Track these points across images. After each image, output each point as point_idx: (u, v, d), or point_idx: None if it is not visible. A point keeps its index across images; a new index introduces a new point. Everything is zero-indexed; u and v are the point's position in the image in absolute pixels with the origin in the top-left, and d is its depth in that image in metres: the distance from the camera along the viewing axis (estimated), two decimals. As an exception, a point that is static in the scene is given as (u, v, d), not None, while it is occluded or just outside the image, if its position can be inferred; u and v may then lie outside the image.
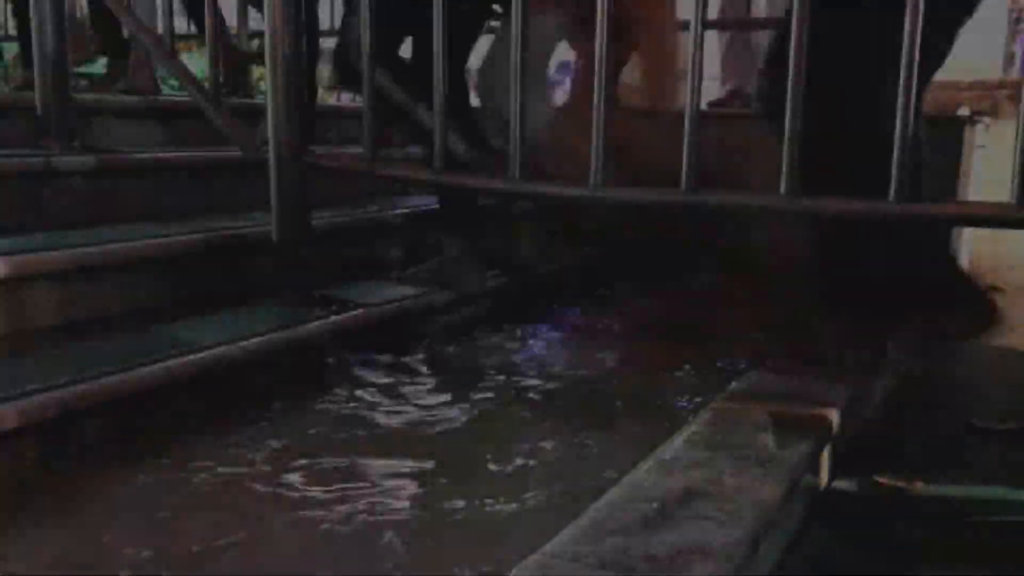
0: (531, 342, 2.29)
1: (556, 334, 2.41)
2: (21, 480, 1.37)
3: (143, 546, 1.19)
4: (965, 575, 1.38)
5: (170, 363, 1.61)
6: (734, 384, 1.77)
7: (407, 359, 2.05)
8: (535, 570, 1.02)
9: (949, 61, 4.16)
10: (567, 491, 1.39)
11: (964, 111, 3.19)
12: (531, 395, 1.86)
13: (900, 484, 1.61)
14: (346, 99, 4.08)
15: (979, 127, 3.22)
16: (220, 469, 1.44)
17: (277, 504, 1.34)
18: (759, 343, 1.99)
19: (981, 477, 1.66)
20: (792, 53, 1.51)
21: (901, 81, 1.45)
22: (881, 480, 1.62)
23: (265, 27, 2.06)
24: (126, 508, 1.31)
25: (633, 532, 1.12)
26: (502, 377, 1.96)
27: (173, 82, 3.64)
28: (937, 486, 1.63)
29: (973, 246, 3.55)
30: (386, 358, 2.03)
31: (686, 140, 1.64)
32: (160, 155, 2.54)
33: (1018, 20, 5.38)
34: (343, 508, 1.32)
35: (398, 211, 2.79)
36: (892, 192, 1.48)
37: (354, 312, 2.06)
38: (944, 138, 2.92)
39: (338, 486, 1.39)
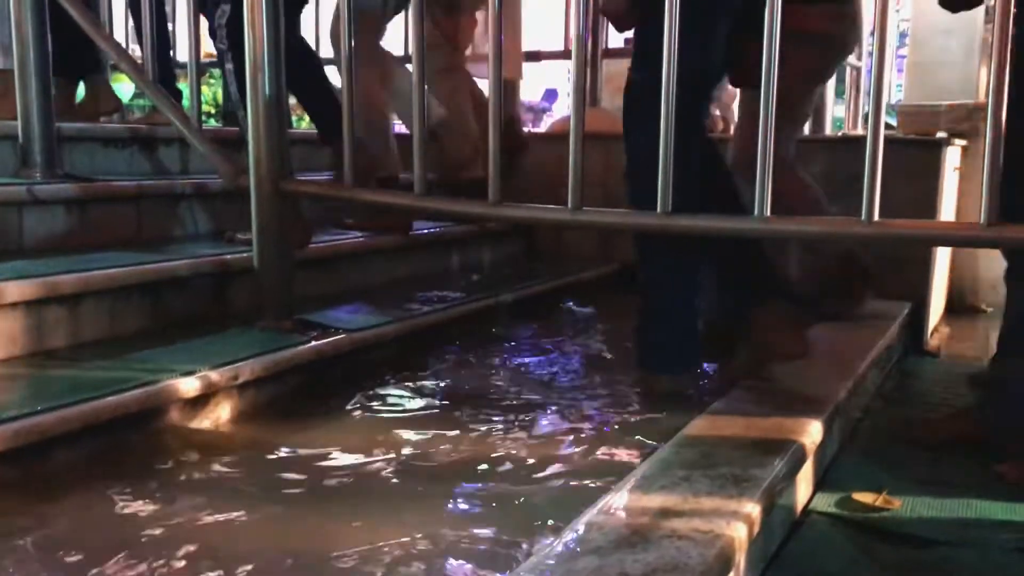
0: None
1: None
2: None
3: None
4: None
5: (148, 389, 1.61)
6: (713, 405, 1.78)
7: (386, 383, 2.06)
8: (509, 591, 1.03)
9: (929, 85, 4.23)
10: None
11: (942, 135, 3.23)
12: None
13: (878, 503, 1.63)
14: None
15: (954, 149, 3.26)
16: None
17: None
18: None
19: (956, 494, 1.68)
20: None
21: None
22: (859, 498, 1.63)
23: (247, 63, 2.08)
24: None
25: (607, 552, 1.12)
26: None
27: (142, 102, 3.66)
28: (914, 504, 1.64)
29: (955, 267, 3.59)
30: (365, 382, 2.04)
31: (661, 166, 1.66)
32: (143, 183, 2.55)
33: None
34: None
35: (379, 236, 2.80)
36: (863, 213, 1.50)
37: (335, 337, 2.06)
38: (921, 160, 2.96)
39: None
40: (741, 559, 1.23)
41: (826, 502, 1.65)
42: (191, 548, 1.26)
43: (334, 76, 2.58)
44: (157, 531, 1.31)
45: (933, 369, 2.77)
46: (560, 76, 8.70)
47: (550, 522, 1.33)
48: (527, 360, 2.36)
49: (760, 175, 1.57)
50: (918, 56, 4.35)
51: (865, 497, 1.64)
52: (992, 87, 1.41)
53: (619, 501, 1.29)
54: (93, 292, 1.93)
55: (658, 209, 1.64)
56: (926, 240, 1.89)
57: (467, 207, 1.93)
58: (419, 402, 1.96)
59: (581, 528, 1.20)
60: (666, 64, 1.62)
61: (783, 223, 1.58)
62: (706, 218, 1.66)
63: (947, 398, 2.38)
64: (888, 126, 3.55)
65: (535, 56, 4.59)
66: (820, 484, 1.74)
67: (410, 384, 2.08)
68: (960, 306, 3.63)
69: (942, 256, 3.25)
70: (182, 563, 1.21)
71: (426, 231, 3.00)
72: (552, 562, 1.09)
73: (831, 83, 4.17)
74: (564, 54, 4.56)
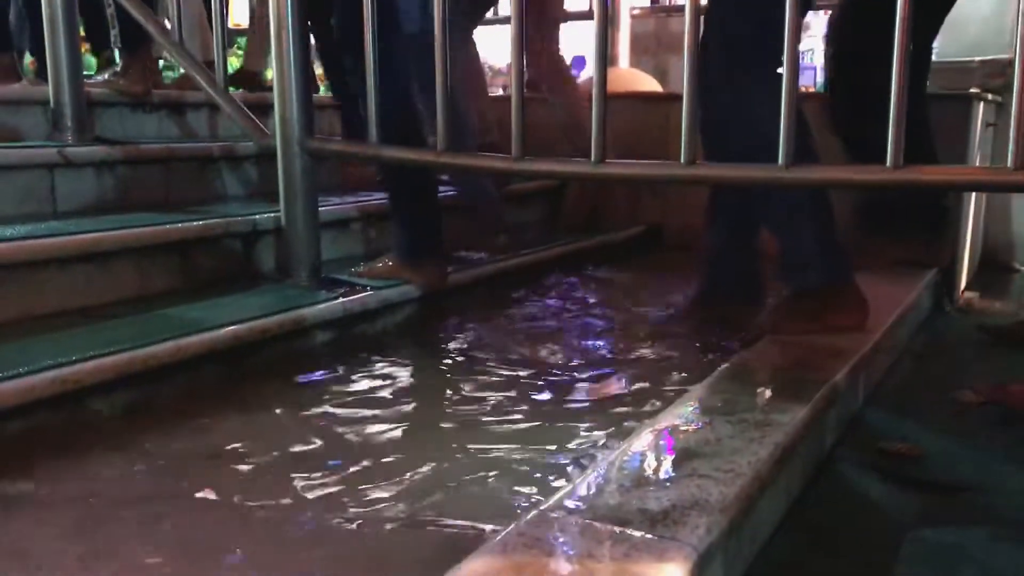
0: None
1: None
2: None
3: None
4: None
5: (180, 341, 1.65)
6: (737, 355, 1.78)
7: (410, 340, 2.08)
8: (533, 523, 1.04)
9: (961, 41, 4.16)
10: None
11: (975, 90, 3.17)
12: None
13: (902, 451, 1.62)
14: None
15: (987, 105, 3.20)
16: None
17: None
18: None
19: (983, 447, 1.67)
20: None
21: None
22: (883, 446, 1.63)
23: (271, 23, 2.09)
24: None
25: (629, 490, 1.14)
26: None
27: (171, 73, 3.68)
28: (938, 453, 1.63)
29: (988, 225, 3.54)
30: (391, 339, 2.06)
31: (684, 116, 1.65)
32: (172, 146, 2.58)
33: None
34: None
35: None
36: (889, 159, 1.49)
37: (362, 294, 2.09)
38: (950, 115, 2.91)
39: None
40: (761, 500, 1.24)
41: (850, 450, 1.65)
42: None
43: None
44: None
45: (962, 327, 2.74)
46: (587, 43, 8.62)
47: (580, 460, 1.38)
48: (558, 314, 2.38)
49: (787, 123, 1.56)
50: (951, 12, 4.25)
51: (889, 445, 1.64)
52: (1020, 35, 1.39)
53: (641, 443, 1.30)
54: (124, 251, 1.97)
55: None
56: (953, 185, 1.87)
57: (490, 162, 1.93)
58: (447, 353, 1.99)
59: (603, 468, 1.21)
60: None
61: (808, 171, 1.57)
62: (733, 167, 1.65)
63: (978, 355, 2.36)
64: (920, 85, 3.49)
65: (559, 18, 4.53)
66: (844, 434, 1.73)
67: (439, 337, 2.11)
68: (992, 264, 3.58)
69: (973, 213, 3.21)
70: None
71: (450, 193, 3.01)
72: (574, 499, 1.11)
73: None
74: (588, 14, 4.51)
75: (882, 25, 1.54)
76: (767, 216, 2.00)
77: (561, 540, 1.01)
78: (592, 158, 1.73)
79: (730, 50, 1.86)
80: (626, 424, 1.57)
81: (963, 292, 3.14)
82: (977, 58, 3.64)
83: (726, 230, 2.16)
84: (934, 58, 3.24)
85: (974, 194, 3.00)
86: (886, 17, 1.45)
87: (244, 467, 1.39)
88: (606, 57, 1.84)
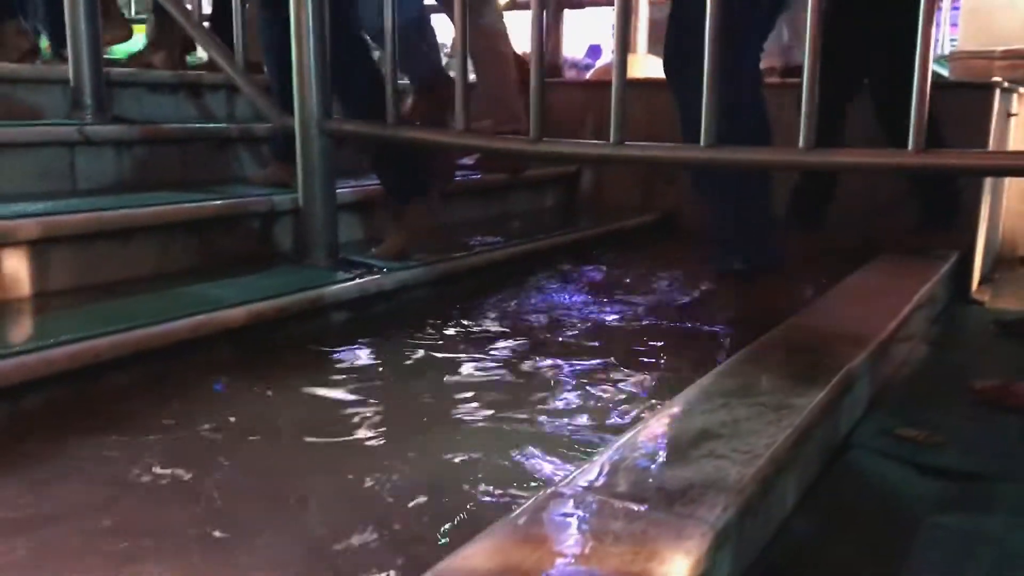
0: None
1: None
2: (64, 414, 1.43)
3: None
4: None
5: (198, 318, 1.66)
6: (755, 340, 1.78)
7: (426, 320, 2.09)
8: (551, 499, 1.05)
9: (985, 31, 4.11)
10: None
11: (996, 79, 3.14)
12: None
13: (919, 438, 1.62)
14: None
15: (1007, 95, 3.17)
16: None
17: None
18: None
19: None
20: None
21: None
22: (901, 433, 1.63)
23: (291, 5, 2.09)
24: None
25: (647, 469, 1.14)
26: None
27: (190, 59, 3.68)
28: (956, 440, 1.63)
29: (1005, 219, 3.51)
30: (407, 319, 2.07)
31: (705, 99, 1.65)
32: (190, 126, 2.58)
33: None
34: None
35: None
36: (911, 144, 1.48)
37: (378, 275, 2.09)
38: (970, 104, 2.88)
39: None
40: (778, 481, 1.24)
41: (867, 436, 1.65)
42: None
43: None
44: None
45: (978, 318, 2.72)
46: (602, 31, 8.60)
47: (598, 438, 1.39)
48: (571, 297, 2.38)
49: (807, 108, 1.56)
50: (973, 1, 4.22)
51: (907, 432, 1.64)
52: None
53: (658, 424, 1.31)
54: (144, 229, 1.98)
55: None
56: (972, 170, 1.85)
57: (507, 144, 1.93)
58: (463, 334, 1.99)
59: (621, 447, 1.21)
60: None
61: (829, 155, 1.56)
62: (749, 151, 1.65)
63: (994, 346, 2.34)
64: (938, 76, 3.47)
65: (578, 3, 4.54)
66: (861, 419, 1.73)
67: (454, 318, 2.11)
68: (1011, 256, 3.56)
69: (991, 205, 3.19)
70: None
71: (465, 178, 3.02)
72: (591, 477, 1.11)
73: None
74: (607, 0, 4.51)
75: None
76: (704, 192, 2.05)
77: (578, 517, 1.01)
78: (611, 139, 1.73)
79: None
80: (644, 405, 1.58)
81: (979, 284, 3.12)
82: (999, 48, 3.61)
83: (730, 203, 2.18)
84: (955, 48, 3.22)
85: (989, 190, 2.98)
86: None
87: (259, 440, 1.40)
88: (627, 41, 1.83)
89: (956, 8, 4.61)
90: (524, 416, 1.53)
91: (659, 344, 1.97)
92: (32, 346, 1.44)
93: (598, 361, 1.84)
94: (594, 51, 9.09)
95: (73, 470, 1.28)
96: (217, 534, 1.12)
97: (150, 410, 1.47)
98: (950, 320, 2.65)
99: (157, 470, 1.28)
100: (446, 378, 1.72)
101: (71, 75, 2.42)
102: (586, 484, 1.09)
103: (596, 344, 1.96)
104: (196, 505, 1.19)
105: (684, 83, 1.81)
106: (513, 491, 1.24)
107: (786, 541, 1.24)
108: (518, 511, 1.01)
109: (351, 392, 1.62)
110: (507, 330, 2.05)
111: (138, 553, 1.07)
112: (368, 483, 1.26)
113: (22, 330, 1.61)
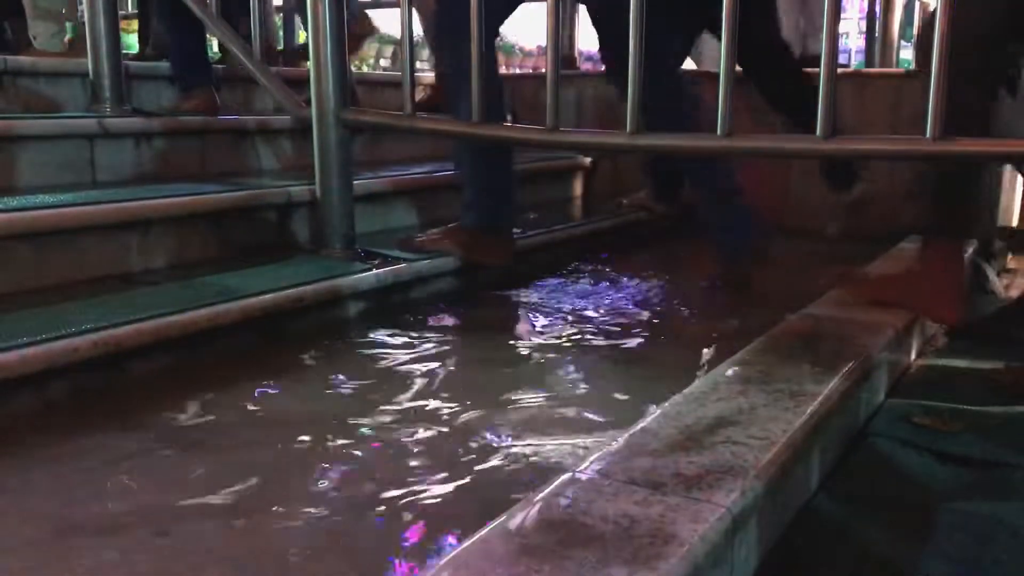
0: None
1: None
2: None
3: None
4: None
5: (218, 307, 1.67)
6: (772, 329, 1.77)
7: (443, 310, 2.10)
8: (568, 483, 1.05)
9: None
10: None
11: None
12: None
13: (937, 426, 1.61)
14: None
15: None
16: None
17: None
18: None
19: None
20: None
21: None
22: (919, 421, 1.62)
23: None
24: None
25: (662, 455, 1.14)
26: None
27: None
28: (974, 429, 1.62)
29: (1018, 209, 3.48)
30: (424, 309, 2.08)
31: (721, 89, 1.64)
32: (208, 118, 2.60)
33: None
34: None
35: (439, 173, 2.82)
36: (927, 131, 1.48)
37: (396, 266, 2.10)
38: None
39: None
40: (796, 467, 1.24)
41: (885, 423, 1.65)
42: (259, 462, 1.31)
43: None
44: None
45: (997, 306, 2.70)
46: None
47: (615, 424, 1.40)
48: (588, 287, 2.38)
49: (826, 94, 1.55)
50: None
51: (925, 420, 1.63)
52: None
53: (674, 411, 1.31)
54: (163, 219, 2.00)
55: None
56: (991, 157, 1.84)
57: (524, 134, 1.93)
58: (481, 324, 2.00)
59: (637, 433, 1.21)
60: None
61: (848, 143, 1.55)
62: (771, 138, 1.65)
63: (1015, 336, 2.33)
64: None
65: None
66: (880, 407, 1.73)
67: (473, 308, 2.12)
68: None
69: (1009, 195, 3.16)
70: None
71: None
72: (608, 461, 1.12)
73: (897, 24, 4.10)
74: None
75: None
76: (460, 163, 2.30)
77: (596, 501, 1.01)
78: (628, 128, 1.73)
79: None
80: (661, 390, 1.57)
81: (999, 273, 3.10)
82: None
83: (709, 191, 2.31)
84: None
85: (1007, 181, 2.96)
86: None
87: (280, 427, 1.41)
88: (643, 34, 1.83)
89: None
90: (538, 402, 1.53)
91: (677, 332, 1.97)
92: (55, 335, 1.46)
93: (618, 346, 1.84)
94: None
95: (92, 456, 1.29)
96: (239, 523, 1.13)
97: (169, 399, 1.49)
98: (971, 307, 2.63)
99: (174, 457, 1.29)
100: (467, 368, 1.73)
101: (90, 68, 2.44)
102: (603, 468, 1.10)
103: (616, 331, 1.97)
104: (216, 491, 1.20)
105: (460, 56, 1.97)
106: (528, 472, 1.25)
107: (806, 525, 1.24)
108: (535, 495, 1.02)
109: (366, 384, 1.63)
110: (524, 318, 2.06)
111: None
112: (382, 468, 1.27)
113: (46, 319, 1.63)
